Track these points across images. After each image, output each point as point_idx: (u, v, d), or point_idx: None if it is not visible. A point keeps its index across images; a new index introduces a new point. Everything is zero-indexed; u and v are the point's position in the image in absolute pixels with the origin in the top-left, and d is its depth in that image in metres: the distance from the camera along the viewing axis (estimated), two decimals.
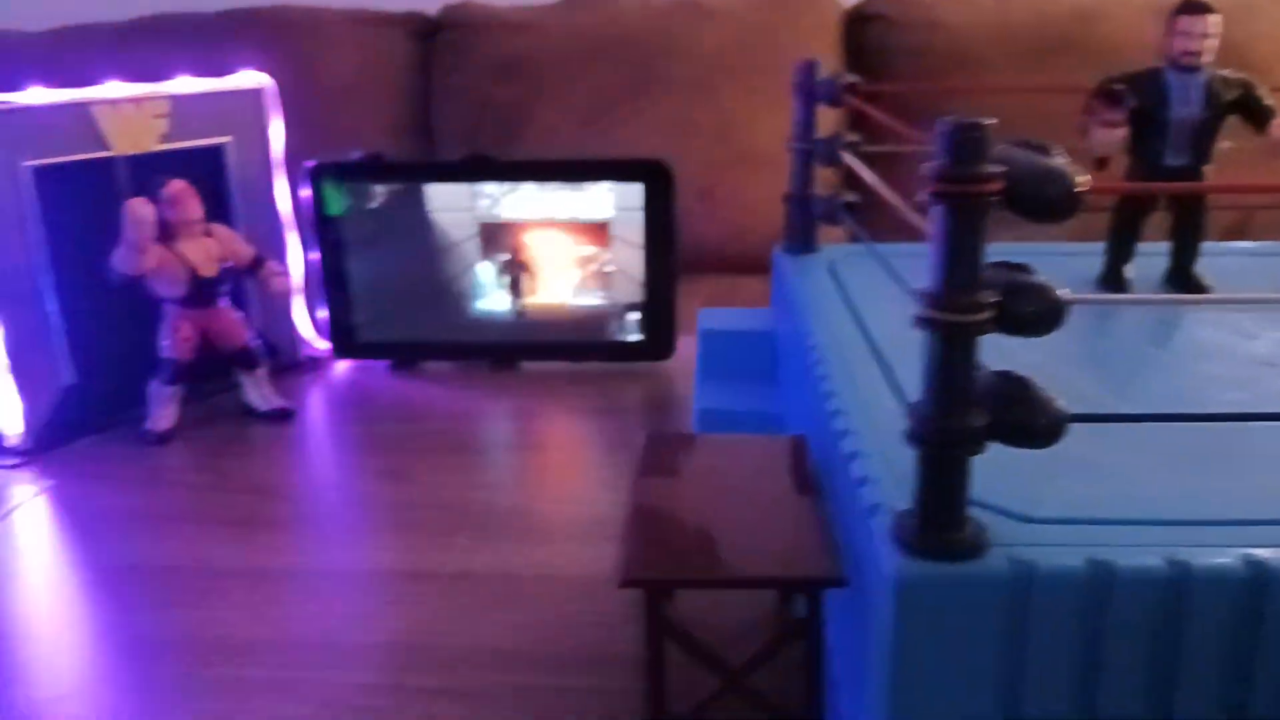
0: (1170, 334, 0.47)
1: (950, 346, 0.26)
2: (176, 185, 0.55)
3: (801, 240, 0.61)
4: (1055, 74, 1.66)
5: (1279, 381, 0.40)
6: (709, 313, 0.59)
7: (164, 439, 0.58)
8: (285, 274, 0.63)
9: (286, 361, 0.67)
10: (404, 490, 0.51)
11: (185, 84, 0.59)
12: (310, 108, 1.80)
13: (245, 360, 0.60)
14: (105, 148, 0.56)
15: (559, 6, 1.80)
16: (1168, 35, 0.49)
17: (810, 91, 0.58)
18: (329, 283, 0.66)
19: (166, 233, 0.55)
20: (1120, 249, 0.53)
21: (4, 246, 0.53)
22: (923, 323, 0.26)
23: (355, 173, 0.64)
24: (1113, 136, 0.50)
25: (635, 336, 0.67)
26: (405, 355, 0.69)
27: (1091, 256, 0.54)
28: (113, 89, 0.56)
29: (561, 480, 0.52)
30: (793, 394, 0.49)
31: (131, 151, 0.57)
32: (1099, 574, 0.26)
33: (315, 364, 0.69)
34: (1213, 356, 0.43)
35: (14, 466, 0.54)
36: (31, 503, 0.51)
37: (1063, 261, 0.56)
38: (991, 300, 0.26)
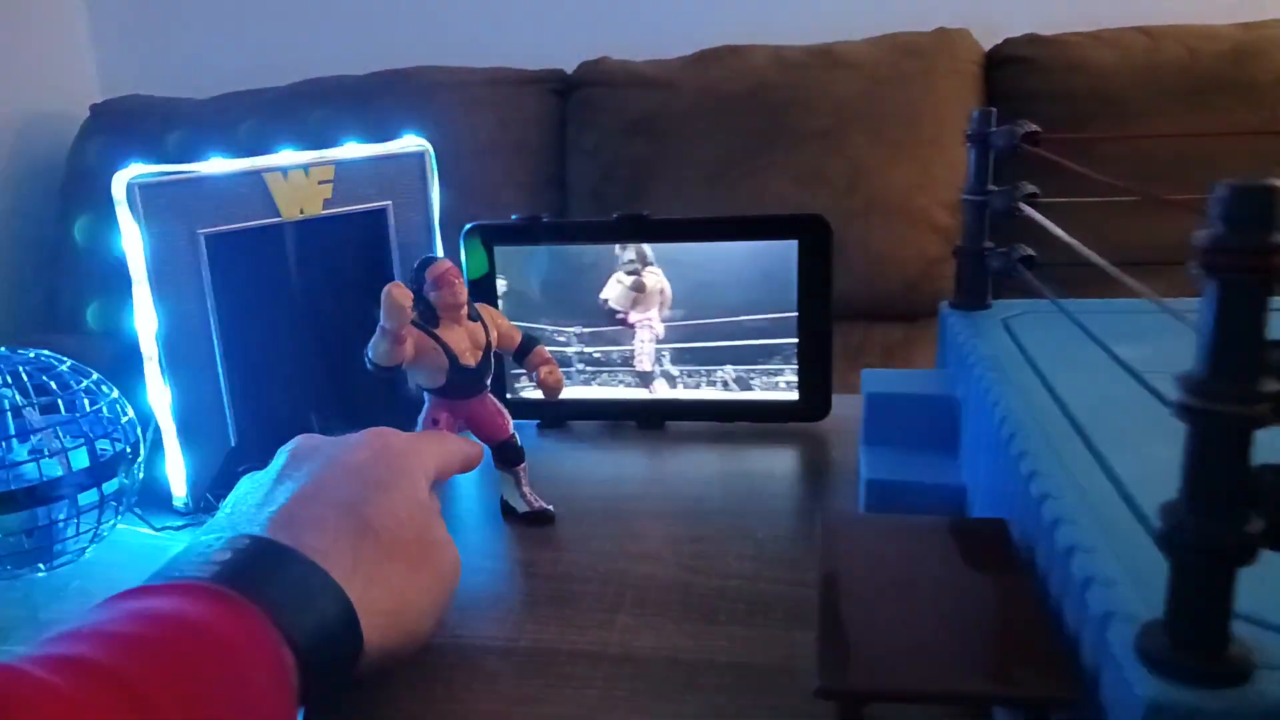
0: None
1: (1218, 441, 0.23)
2: (442, 265, 0.49)
3: (973, 296, 0.57)
4: (1211, 115, 1.56)
5: None
6: (874, 374, 0.55)
7: None
8: (555, 365, 0.55)
9: None
10: (563, 560, 0.49)
11: (350, 149, 0.60)
12: (451, 166, 1.87)
13: (509, 455, 0.54)
14: (274, 214, 0.57)
15: (690, 60, 1.81)
16: None
17: (985, 141, 0.55)
18: None
19: (428, 317, 0.49)
20: None
21: (181, 314, 0.55)
22: (1185, 413, 0.23)
23: (511, 234, 0.64)
24: None
25: (789, 396, 0.64)
26: (551, 413, 0.68)
27: None
28: (284, 157, 0.57)
29: (720, 553, 0.49)
30: (981, 468, 0.45)
31: (298, 217, 0.58)
32: None
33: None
34: None
35: (179, 528, 0.55)
36: None
37: None
38: (1274, 389, 0.22)
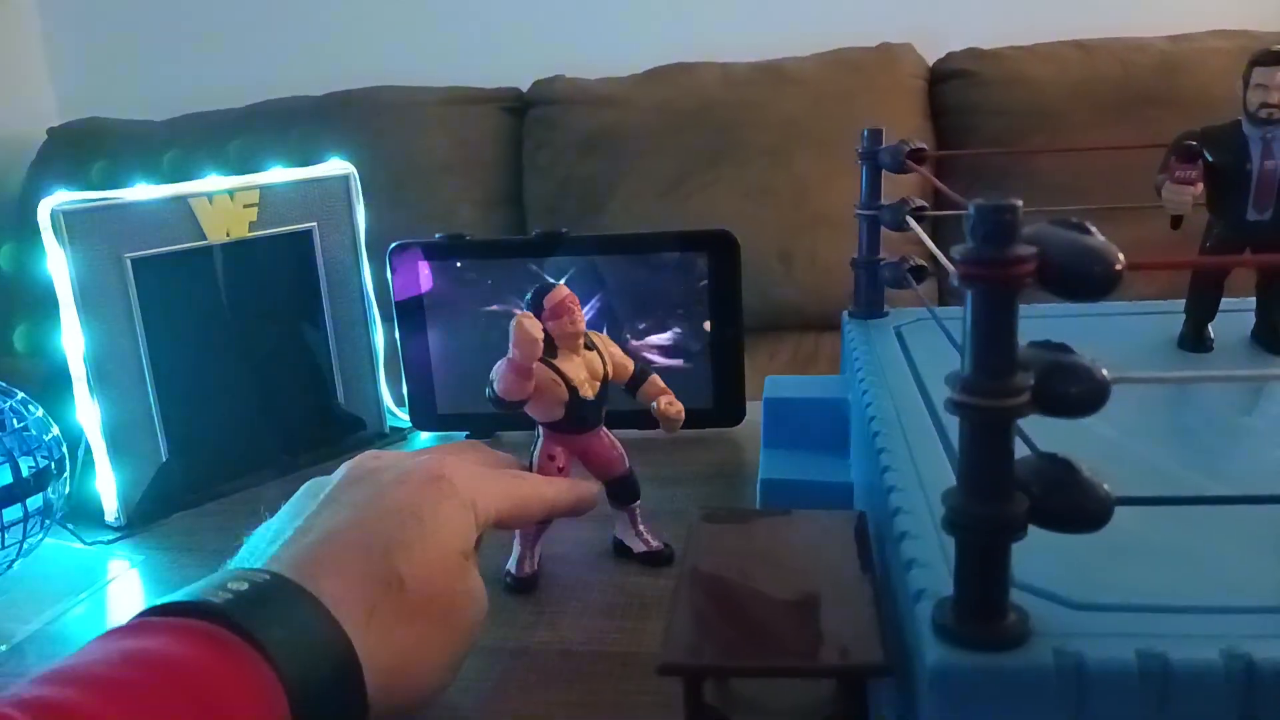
0: (1262, 400, 0.45)
1: (984, 432, 0.26)
2: (560, 293, 0.46)
3: (869, 305, 0.60)
4: (1141, 127, 1.62)
5: None
6: (775, 380, 0.58)
7: (525, 585, 0.48)
8: (673, 395, 0.52)
9: (373, 432, 0.70)
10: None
11: (274, 174, 0.63)
12: (408, 185, 1.89)
13: (623, 492, 0.51)
14: (201, 237, 0.60)
15: (642, 78, 1.85)
16: (1245, 88, 0.48)
17: (875, 158, 0.58)
18: (410, 358, 0.69)
19: (545, 347, 0.46)
20: (1202, 306, 0.51)
21: (108, 334, 0.57)
22: (955, 408, 0.26)
23: (436, 252, 0.67)
24: (1185, 194, 0.48)
25: (705, 404, 0.67)
26: (481, 425, 0.70)
27: (1174, 315, 0.53)
28: (209, 183, 0.60)
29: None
30: (859, 465, 0.48)
31: (224, 239, 0.61)
32: (1152, 668, 0.25)
33: (398, 434, 0.71)
34: None
35: (110, 542, 0.57)
36: (125, 576, 0.53)
37: (1140, 321, 0.54)
38: (1028, 383, 0.25)
